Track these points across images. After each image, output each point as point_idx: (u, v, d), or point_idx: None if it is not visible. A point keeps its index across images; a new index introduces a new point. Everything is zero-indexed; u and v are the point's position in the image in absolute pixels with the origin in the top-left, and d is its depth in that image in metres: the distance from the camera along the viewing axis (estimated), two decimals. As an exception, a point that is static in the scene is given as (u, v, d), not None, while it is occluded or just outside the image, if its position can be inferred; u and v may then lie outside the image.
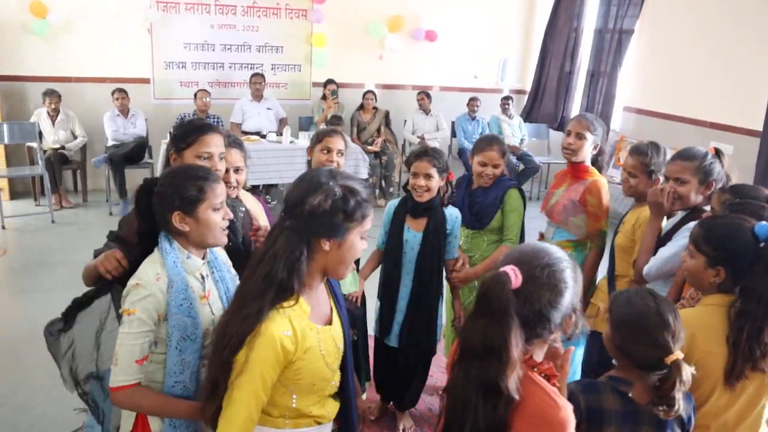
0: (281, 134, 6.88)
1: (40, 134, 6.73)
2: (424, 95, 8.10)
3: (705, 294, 1.94)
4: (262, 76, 7.51)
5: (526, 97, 9.26)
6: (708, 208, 2.50)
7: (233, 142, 2.50)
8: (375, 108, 7.87)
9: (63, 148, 6.90)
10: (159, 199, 1.80)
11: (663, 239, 2.54)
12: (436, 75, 8.90)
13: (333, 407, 1.76)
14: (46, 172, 6.53)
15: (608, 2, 7.78)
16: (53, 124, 6.82)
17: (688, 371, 1.60)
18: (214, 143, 2.21)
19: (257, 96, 7.40)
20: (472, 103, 8.09)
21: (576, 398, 1.64)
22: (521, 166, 7.88)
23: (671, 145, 6.49)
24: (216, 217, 1.83)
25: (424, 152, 2.87)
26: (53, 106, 6.77)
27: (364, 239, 1.63)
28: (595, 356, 2.86)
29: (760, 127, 5.85)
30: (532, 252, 1.43)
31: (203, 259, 1.90)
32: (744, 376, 1.80)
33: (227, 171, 2.37)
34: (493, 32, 9.07)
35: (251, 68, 7.88)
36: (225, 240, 1.89)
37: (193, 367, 1.81)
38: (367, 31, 8.34)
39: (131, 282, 1.76)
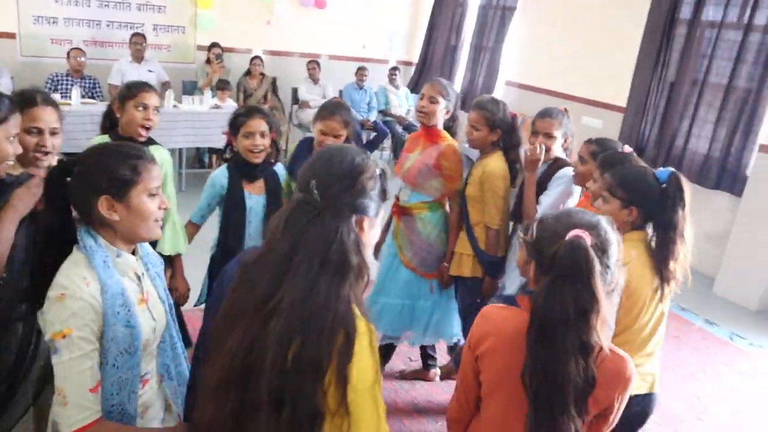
0: (163, 98, 6.63)
1: None
2: (315, 64, 8.06)
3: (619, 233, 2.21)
4: (143, 36, 7.16)
5: (414, 68, 9.44)
6: (564, 156, 3.07)
7: (47, 100, 2.11)
8: (262, 74, 7.75)
9: None
10: (80, 180, 1.50)
11: (538, 188, 2.97)
12: (325, 43, 8.84)
13: None
14: None
15: (492, -21, 8.06)
16: None
17: None
18: (17, 124, 1.81)
19: (138, 57, 7.06)
20: (360, 72, 8.14)
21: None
22: (407, 136, 8.06)
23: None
24: (152, 205, 1.55)
25: (256, 109, 2.75)
26: None
27: None
28: (467, 299, 3.17)
29: (624, 104, 6.34)
30: (579, 214, 1.52)
31: (134, 254, 1.61)
32: (666, 293, 2.10)
33: (41, 133, 2.02)
34: (383, 3, 9.13)
35: (131, 28, 7.49)
36: (159, 233, 1.61)
37: (131, 385, 1.53)
38: (256, -6, 8.16)
39: (52, 294, 1.43)
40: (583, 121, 6.84)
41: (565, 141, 3.04)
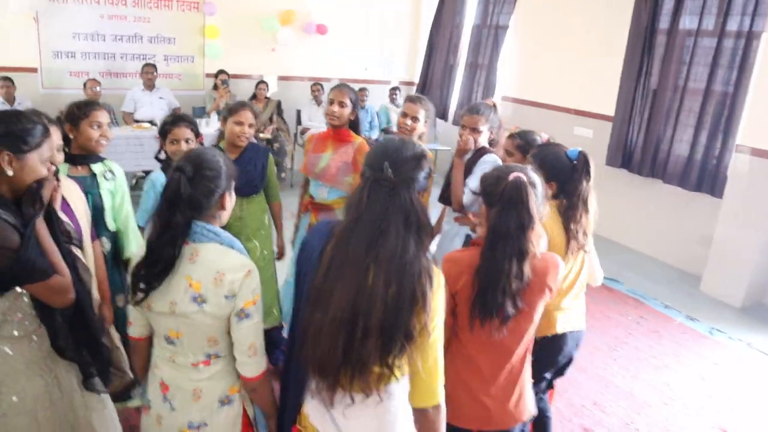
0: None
1: None
2: (318, 86, 8.44)
3: None
4: (154, 66, 7.62)
5: (415, 88, 9.77)
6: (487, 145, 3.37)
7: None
8: (267, 98, 8.14)
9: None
10: (209, 181, 1.77)
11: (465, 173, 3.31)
12: (329, 67, 9.23)
13: None
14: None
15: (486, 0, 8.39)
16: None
17: None
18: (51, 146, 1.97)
19: (149, 86, 7.51)
20: (361, 93, 8.47)
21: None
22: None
23: (543, 130, 7.16)
24: None
25: (181, 118, 3.03)
26: (-67, 95, 6.62)
27: None
28: None
29: (612, 113, 6.54)
30: (512, 166, 2.05)
31: None
32: (574, 249, 2.50)
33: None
34: (382, 26, 9.51)
35: (143, 59, 7.97)
36: None
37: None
38: (260, 24, 8.59)
39: (237, 275, 1.75)
40: (575, 132, 7.06)
41: (491, 133, 3.34)
